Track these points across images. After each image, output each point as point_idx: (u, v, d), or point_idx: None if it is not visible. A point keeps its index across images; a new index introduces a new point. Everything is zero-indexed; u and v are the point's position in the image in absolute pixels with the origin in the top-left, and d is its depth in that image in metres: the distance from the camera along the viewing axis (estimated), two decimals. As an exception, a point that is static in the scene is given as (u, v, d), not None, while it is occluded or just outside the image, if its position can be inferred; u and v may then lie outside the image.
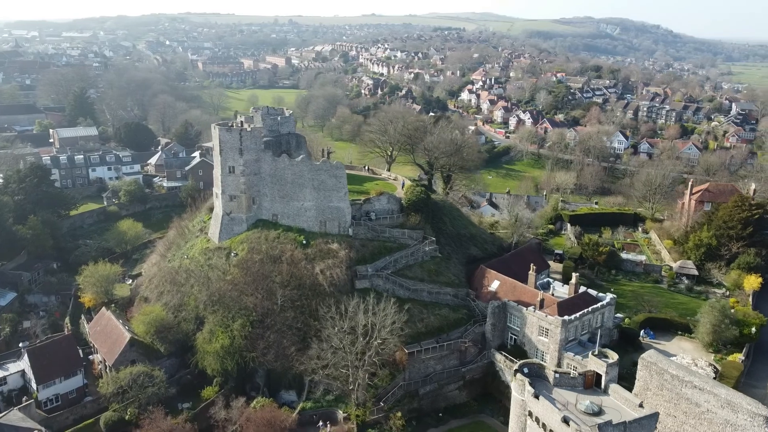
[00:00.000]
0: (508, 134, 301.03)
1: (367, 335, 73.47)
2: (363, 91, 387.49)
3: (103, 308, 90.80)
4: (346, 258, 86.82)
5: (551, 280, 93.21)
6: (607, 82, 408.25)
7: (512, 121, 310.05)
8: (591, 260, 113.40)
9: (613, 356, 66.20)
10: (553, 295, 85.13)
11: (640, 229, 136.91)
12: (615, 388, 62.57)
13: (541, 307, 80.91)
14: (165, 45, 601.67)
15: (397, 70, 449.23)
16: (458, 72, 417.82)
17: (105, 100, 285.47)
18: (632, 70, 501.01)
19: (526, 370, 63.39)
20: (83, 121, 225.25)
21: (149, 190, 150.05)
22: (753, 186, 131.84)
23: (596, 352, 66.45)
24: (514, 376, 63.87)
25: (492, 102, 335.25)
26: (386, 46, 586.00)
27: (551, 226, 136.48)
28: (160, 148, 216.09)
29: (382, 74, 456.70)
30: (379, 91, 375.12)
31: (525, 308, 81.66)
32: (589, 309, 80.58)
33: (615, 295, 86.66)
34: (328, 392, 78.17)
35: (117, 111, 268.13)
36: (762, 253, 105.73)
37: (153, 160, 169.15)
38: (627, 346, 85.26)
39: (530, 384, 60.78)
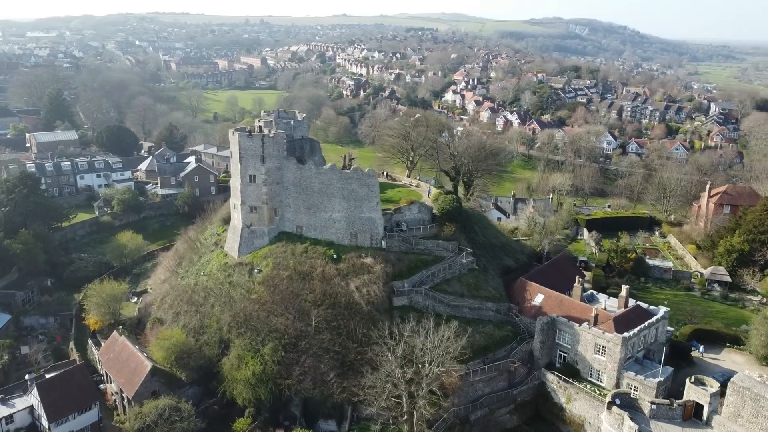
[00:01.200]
0: (496, 135, 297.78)
1: (421, 361, 67.41)
2: (344, 92, 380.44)
3: (114, 333, 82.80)
4: (382, 273, 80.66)
5: (594, 292, 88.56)
6: (588, 82, 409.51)
7: (499, 122, 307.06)
8: (618, 267, 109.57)
9: (713, 384, 61.31)
10: (606, 309, 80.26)
11: (657, 233, 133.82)
12: (720, 421, 57.68)
13: (595, 323, 76.01)
14: (135, 45, 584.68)
15: (376, 71, 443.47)
16: (440, 73, 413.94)
17: (80, 102, 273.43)
18: (610, 70, 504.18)
19: (618, 402, 58.24)
20: (61, 124, 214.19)
21: (143, 198, 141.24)
22: None
23: (692, 380, 61.17)
24: (608, 409, 58.68)
25: (478, 103, 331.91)
26: (363, 46, 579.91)
27: (568, 232, 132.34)
28: (144, 152, 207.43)
29: (361, 75, 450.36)
30: (362, 92, 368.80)
31: (577, 325, 76.72)
32: (646, 324, 76.01)
33: (668, 308, 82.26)
34: (372, 420, 72.04)
35: (92, 113, 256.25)
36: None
37: (143, 166, 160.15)
38: (679, 361, 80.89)
39: (630, 418, 55.61)
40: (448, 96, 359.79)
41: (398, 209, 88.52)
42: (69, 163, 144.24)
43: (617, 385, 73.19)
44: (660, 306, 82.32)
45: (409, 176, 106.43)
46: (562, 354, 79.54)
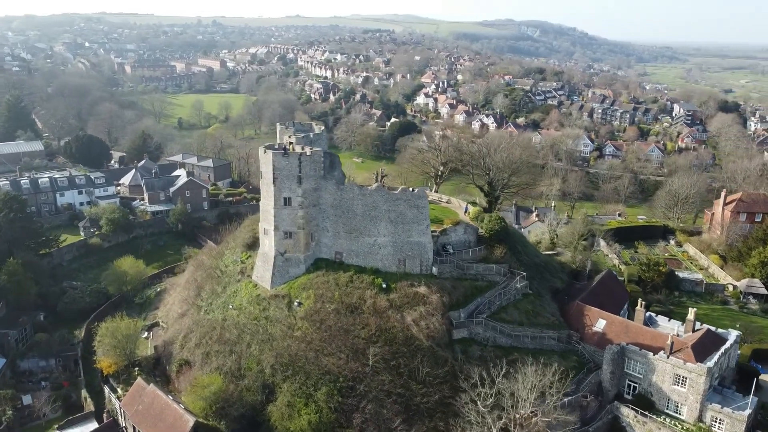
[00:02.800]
0: (472, 139, 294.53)
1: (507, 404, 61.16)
2: (313, 96, 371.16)
3: (140, 380, 73.16)
4: (439, 304, 73.97)
5: (653, 314, 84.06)
6: (555, 84, 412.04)
7: (475, 126, 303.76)
8: (650, 282, 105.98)
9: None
10: (678, 335, 75.68)
11: (672, 242, 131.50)
12: None
13: (671, 351, 71.31)
14: (84, 47, 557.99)
15: (342, 74, 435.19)
16: (408, 75, 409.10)
17: (36, 110, 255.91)
18: (573, 72, 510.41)
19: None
20: (23, 134, 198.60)
21: (132, 216, 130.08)
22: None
23: None
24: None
25: (452, 106, 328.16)
26: (324, 48, 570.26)
27: (585, 243, 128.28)
28: (114, 162, 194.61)
29: (326, 77, 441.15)
30: (331, 96, 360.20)
31: (651, 354, 71.86)
32: (723, 350, 71.85)
33: (740, 332, 78.48)
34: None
35: (52, 121, 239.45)
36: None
37: (126, 180, 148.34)
38: (747, 385, 77.02)
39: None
40: (420, 99, 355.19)
41: (444, 231, 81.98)
42: (47, 179, 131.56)
43: (700, 418, 68.70)
44: (730, 329, 78.32)
45: (436, 191, 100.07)
46: (632, 384, 74.56)
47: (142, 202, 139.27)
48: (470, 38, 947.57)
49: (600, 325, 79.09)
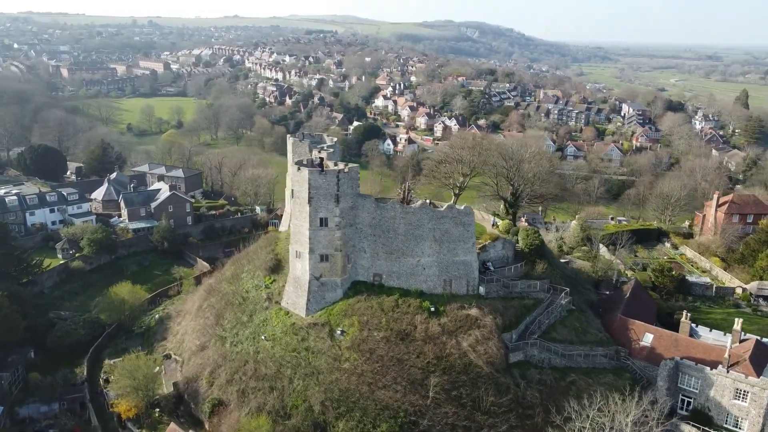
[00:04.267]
0: (436, 141, 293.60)
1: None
2: (268, 99, 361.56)
3: (173, 425, 66.10)
4: (493, 326, 70.28)
5: (693, 325, 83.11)
6: (507, 85, 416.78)
7: (438, 128, 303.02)
8: (663, 288, 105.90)
9: None
10: (732, 349, 74.64)
11: (668, 244, 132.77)
12: None
13: (730, 364, 70.25)
14: (13, 48, 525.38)
15: (294, 76, 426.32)
16: (363, 78, 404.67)
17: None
18: (522, 73, 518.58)
19: None
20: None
21: (114, 235, 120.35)
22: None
23: None
24: None
25: (412, 108, 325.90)
26: (271, 49, 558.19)
27: (585, 248, 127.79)
28: (71, 174, 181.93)
29: (277, 80, 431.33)
30: (287, 99, 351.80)
31: (708, 368, 70.56)
32: (776, 361, 71.41)
33: None
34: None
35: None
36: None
37: (99, 195, 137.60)
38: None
39: None
40: (379, 102, 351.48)
41: (483, 247, 78.44)
42: (15, 197, 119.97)
43: (762, 431, 67.85)
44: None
45: (455, 203, 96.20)
46: (686, 399, 73.16)
47: (120, 219, 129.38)
48: (412, 39, 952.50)
49: (647, 339, 77.39)
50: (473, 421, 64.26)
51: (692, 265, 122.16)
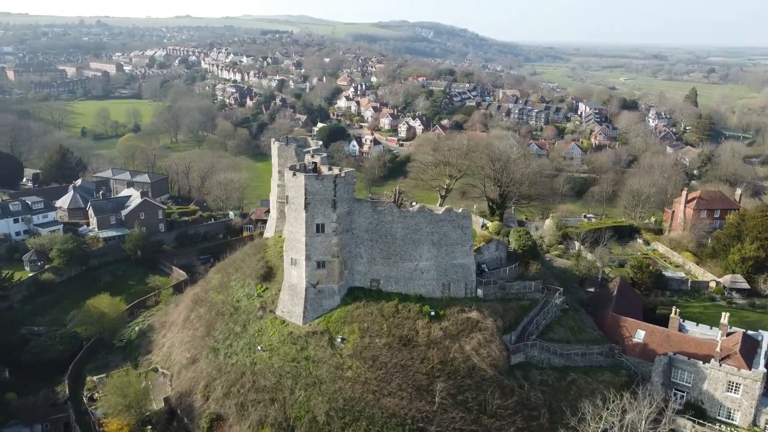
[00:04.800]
0: (401, 142, 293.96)
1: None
2: (227, 101, 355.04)
3: (171, 443, 63.69)
4: (494, 328, 70.30)
5: (680, 320, 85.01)
6: (467, 85, 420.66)
7: (402, 129, 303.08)
8: (640, 283, 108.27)
9: None
10: (722, 343, 76.56)
11: (640, 241, 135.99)
12: None
13: (722, 358, 72.10)
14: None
15: (254, 77, 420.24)
16: (324, 78, 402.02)
17: None
18: (480, 73, 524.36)
19: None
20: None
21: (84, 245, 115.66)
22: (739, 191, 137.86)
23: None
24: None
25: (376, 109, 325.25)
26: (227, 50, 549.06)
27: (561, 246, 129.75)
28: (27, 181, 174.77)
29: (235, 81, 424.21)
30: (248, 101, 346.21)
31: (701, 362, 72.31)
32: (764, 353, 73.64)
33: None
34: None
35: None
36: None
37: (63, 203, 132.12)
38: None
39: None
40: (341, 102, 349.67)
41: (478, 249, 78.47)
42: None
43: (754, 422, 69.92)
44: (760, 330, 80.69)
45: (441, 206, 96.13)
46: (679, 393, 74.75)
47: (89, 227, 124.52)
48: (368, 39, 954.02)
49: (639, 335, 78.80)
50: (480, 425, 64.01)
51: (665, 261, 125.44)
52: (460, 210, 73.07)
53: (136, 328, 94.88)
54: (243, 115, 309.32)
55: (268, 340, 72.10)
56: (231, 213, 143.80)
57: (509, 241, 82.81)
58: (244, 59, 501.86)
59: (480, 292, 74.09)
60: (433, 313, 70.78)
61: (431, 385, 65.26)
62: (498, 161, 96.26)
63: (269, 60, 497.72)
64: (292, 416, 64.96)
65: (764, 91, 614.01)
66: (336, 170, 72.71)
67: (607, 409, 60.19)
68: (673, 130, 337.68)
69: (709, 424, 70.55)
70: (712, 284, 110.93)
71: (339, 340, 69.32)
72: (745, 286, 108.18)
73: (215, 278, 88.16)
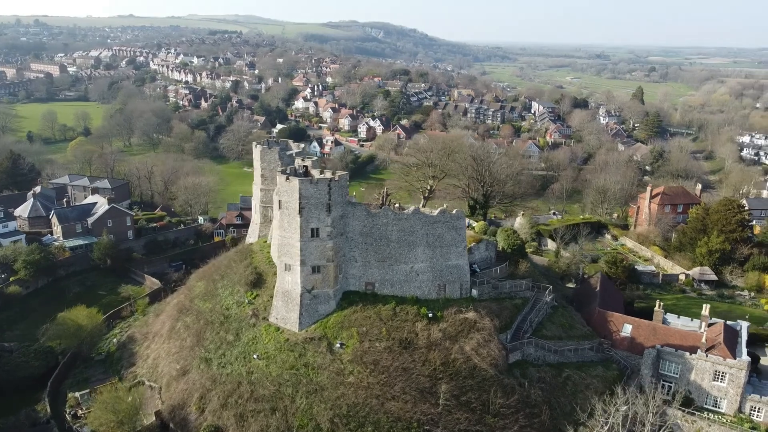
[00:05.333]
0: (361, 143, 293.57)
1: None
2: (181, 102, 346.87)
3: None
4: (492, 328, 70.83)
5: (662, 312, 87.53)
6: (423, 85, 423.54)
7: (362, 129, 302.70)
8: (615, 277, 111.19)
9: None
10: (707, 334, 79.23)
11: (608, 236, 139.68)
12: None
13: (708, 348, 74.65)
14: None
15: (206, 78, 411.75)
16: (280, 79, 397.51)
17: None
18: (431, 72, 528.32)
19: None
20: None
21: (50, 255, 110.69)
22: (699, 186, 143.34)
23: None
24: None
25: (334, 110, 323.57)
26: (176, 50, 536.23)
27: (534, 243, 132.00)
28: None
29: (187, 82, 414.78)
30: (203, 102, 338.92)
31: (688, 353, 74.73)
32: (744, 342, 76.71)
33: (749, 322, 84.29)
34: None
35: None
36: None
37: (24, 212, 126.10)
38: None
39: None
40: (299, 104, 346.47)
41: (468, 249, 78.84)
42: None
43: (740, 409, 72.68)
44: (739, 321, 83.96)
45: (424, 206, 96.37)
46: (667, 384, 77.04)
47: (53, 237, 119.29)
48: (318, 39, 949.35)
49: (626, 329, 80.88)
50: (485, 425, 64.38)
51: (634, 255, 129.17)
52: (454, 211, 73.30)
53: (114, 340, 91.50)
54: (199, 117, 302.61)
55: (263, 348, 70.65)
56: (200, 218, 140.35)
57: (497, 241, 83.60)
58: (195, 60, 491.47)
59: (475, 292, 74.54)
60: (430, 315, 70.80)
61: (434, 387, 65.29)
62: (483, 161, 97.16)
63: (221, 61, 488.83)
64: (295, 425, 63.80)
65: (702, 89, 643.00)
66: (328, 174, 71.83)
67: (615, 404, 61.35)
68: (623, 127, 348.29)
69: (698, 413, 72.96)
70: (682, 277, 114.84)
71: (338, 345, 68.53)
72: (713, 277, 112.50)
73: (199, 286, 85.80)
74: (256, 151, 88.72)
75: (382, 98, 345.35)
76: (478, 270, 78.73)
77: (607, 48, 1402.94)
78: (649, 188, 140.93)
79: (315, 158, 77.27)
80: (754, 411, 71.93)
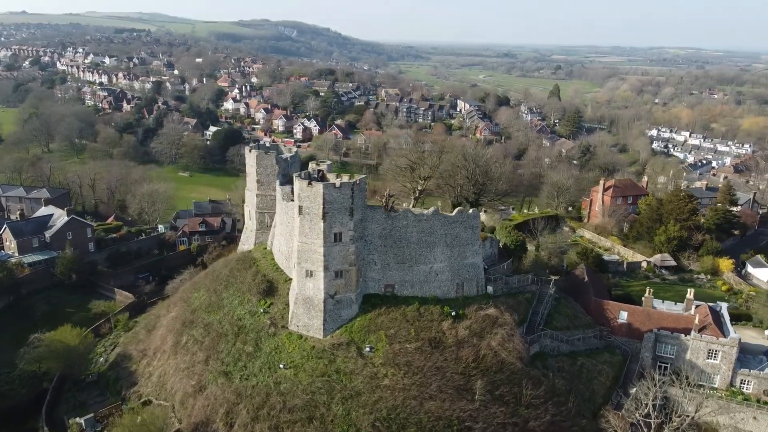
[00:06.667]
0: (298, 144, 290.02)
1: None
2: (100, 105, 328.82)
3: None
4: (512, 322, 72.92)
5: (651, 298, 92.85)
6: (350, 85, 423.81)
7: (297, 130, 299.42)
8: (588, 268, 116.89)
9: None
10: (699, 316, 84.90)
11: (566, 229, 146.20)
12: None
13: (700, 330, 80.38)
14: None
15: (124, 79, 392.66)
16: (204, 80, 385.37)
17: None
18: (362, 73, 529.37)
19: None
20: None
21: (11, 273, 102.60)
22: (645, 178, 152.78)
23: None
24: None
25: (267, 110, 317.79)
26: (85, 50, 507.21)
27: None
28: None
29: (102, 83, 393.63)
30: (125, 104, 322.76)
31: (683, 335, 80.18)
32: (728, 321, 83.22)
33: (728, 303, 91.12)
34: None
35: None
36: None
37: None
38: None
39: None
40: (229, 105, 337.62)
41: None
42: None
43: (731, 383, 78.84)
44: (718, 302, 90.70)
45: (414, 207, 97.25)
46: (663, 365, 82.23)
47: (7, 253, 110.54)
48: (231, 38, 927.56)
49: (623, 316, 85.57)
50: (519, 417, 66.30)
51: (593, 245, 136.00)
52: (470, 210, 74.82)
53: (101, 360, 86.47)
54: (124, 120, 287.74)
55: (288, 357, 69.20)
56: (161, 227, 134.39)
57: (498, 238, 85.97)
58: (107, 60, 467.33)
59: (490, 288, 76.48)
60: (454, 314, 71.93)
61: (467, 384, 66.52)
62: (474, 161, 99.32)
63: (136, 61, 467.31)
64: (335, 432, 63.06)
65: (606, 86, 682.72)
66: (345, 177, 71.37)
67: (656, 385, 64.97)
68: (546, 124, 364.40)
69: (700, 390, 78.37)
70: (644, 264, 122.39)
71: (367, 349, 68.30)
72: (673, 263, 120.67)
73: (199, 297, 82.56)
74: (251, 156, 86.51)
75: (314, 98, 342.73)
76: (486, 267, 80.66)
77: (512, 47, 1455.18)
78: (602, 181, 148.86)
79: (328, 162, 76.32)
80: (744, 384, 78.21)
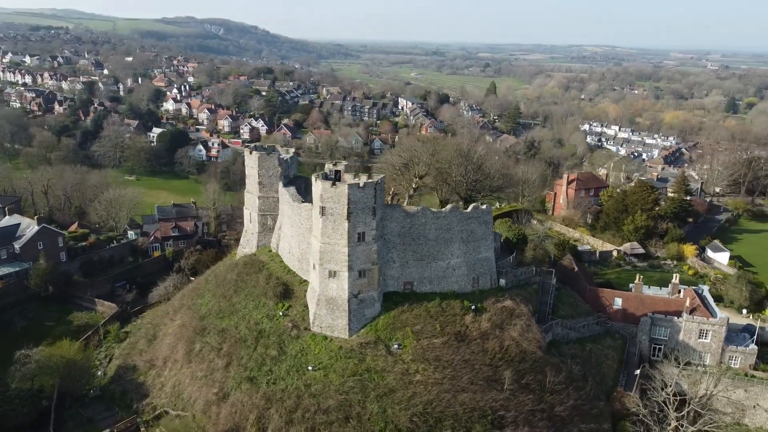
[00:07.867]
0: (246, 144, 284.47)
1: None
2: (29, 107, 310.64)
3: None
4: (528, 313, 75.50)
5: (641, 284, 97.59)
6: (291, 83, 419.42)
7: (244, 130, 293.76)
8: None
9: None
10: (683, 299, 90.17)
11: (534, 221, 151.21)
12: None
13: (691, 311, 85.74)
14: None
15: (50, 79, 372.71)
16: (140, 80, 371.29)
17: None
18: (300, 72, 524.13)
19: None
20: None
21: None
22: (604, 171, 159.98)
23: None
24: None
25: (211, 111, 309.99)
26: (1, 48, 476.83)
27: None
28: None
29: (26, 83, 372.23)
30: (57, 106, 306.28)
31: (676, 318, 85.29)
32: (713, 302, 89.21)
33: (708, 287, 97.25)
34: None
35: None
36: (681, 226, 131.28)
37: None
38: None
39: None
40: (169, 105, 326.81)
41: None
42: None
43: (720, 360, 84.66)
44: (700, 285, 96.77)
45: (408, 204, 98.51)
46: (657, 347, 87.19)
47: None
48: (156, 36, 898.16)
49: (617, 302, 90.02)
50: (546, 403, 68.86)
51: (563, 236, 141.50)
52: (484, 206, 76.81)
53: (99, 373, 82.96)
54: (59, 123, 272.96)
55: (315, 359, 68.95)
56: (131, 233, 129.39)
57: (502, 232, 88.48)
58: (27, 59, 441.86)
59: (502, 281, 78.84)
60: (473, 307, 73.69)
61: (495, 375, 68.48)
62: (468, 158, 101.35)
63: (60, 60, 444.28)
64: (376, 430, 63.43)
65: (534, 83, 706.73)
66: (364, 177, 71.71)
67: (678, 365, 68.88)
68: (486, 120, 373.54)
69: (695, 368, 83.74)
70: (615, 253, 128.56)
71: (395, 346, 69.03)
72: (641, 251, 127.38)
73: (206, 304, 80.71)
74: (252, 157, 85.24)
75: (257, 98, 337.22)
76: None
77: (440, 45, 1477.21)
78: (566, 175, 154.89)
79: (345, 162, 76.29)
80: (731, 359, 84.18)
